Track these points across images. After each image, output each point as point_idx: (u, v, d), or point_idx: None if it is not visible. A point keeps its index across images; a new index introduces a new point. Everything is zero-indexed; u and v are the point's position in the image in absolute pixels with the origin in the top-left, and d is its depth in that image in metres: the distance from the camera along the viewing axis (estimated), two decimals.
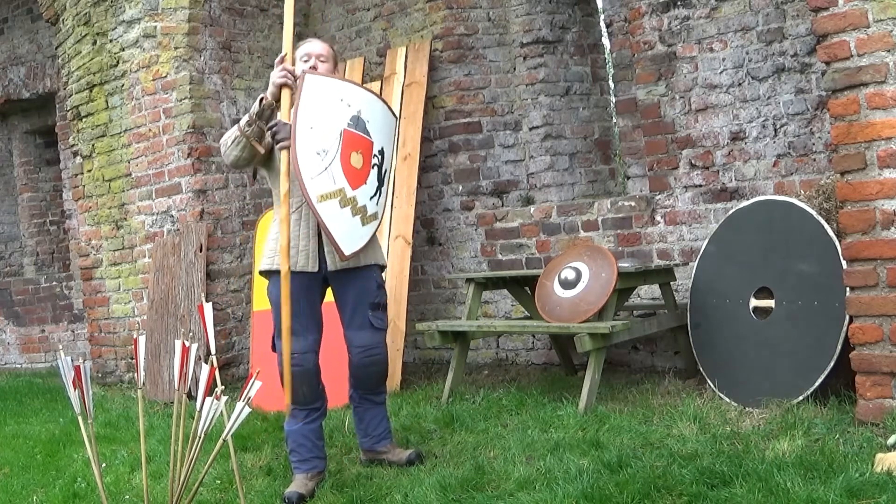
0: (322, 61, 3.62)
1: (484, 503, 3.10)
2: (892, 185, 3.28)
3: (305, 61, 3.61)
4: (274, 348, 3.57)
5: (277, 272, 3.43)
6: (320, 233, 3.48)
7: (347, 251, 3.43)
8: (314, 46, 3.69)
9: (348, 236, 3.43)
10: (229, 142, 3.59)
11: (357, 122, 3.46)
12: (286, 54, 3.52)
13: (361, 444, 3.83)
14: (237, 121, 6.22)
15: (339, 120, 3.43)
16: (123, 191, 6.51)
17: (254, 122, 3.53)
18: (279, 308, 3.41)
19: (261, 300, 5.63)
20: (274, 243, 3.55)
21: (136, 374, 3.34)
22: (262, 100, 3.53)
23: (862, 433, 3.27)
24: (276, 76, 3.49)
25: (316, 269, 3.51)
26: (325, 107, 3.43)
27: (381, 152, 3.54)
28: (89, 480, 3.85)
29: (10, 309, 8.91)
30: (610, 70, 6.71)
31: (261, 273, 3.64)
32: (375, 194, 3.52)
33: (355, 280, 3.59)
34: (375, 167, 3.51)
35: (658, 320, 4.56)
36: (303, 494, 3.41)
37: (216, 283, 6.03)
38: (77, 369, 3.00)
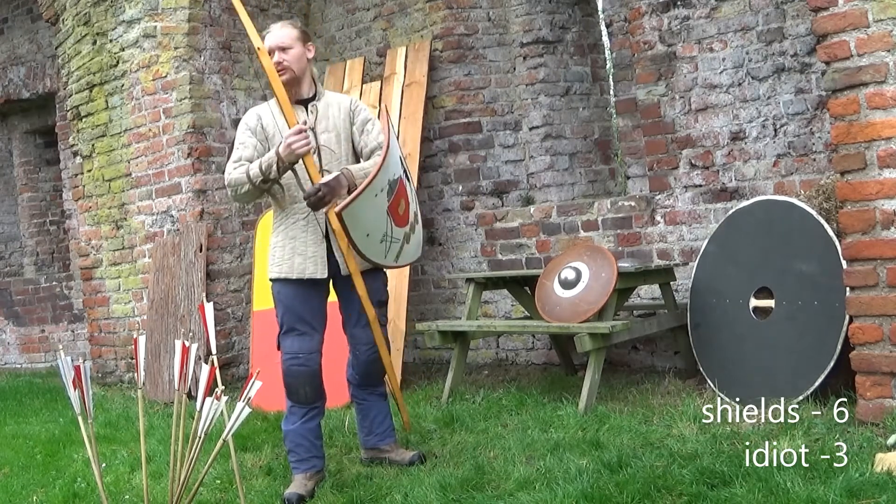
0: (284, 50, 3.52)
1: (484, 503, 3.10)
2: (892, 185, 3.28)
3: (271, 55, 3.54)
4: (279, 346, 3.59)
5: (286, 280, 3.52)
6: (328, 238, 3.53)
7: (372, 261, 3.54)
8: (274, 37, 3.55)
9: (374, 254, 3.52)
10: (239, 190, 3.52)
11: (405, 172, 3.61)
12: (304, 122, 3.46)
13: (364, 443, 3.83)
14: (237, 122, 6.27)
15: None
16: (123, 191, 6.51)
17: (269, 180, 3.45)
18: (285, 309, 3.53)
19: (261, 300, 5.63)
20: (280, 251, 3.56)
21: (136, 374, 3.34)
22: (279, 163, 3.41)
23: (862, 433, 3.27)
24: (297, 146, 3.35)
25: (325, 276, 3.55)
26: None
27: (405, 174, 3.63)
28: (89, 480, 3.85)
29: (10, 309, 8.91)
30: (610, 70, 6.71)
31: (271, 280, 3.63)
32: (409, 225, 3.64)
33: (368, 280, 3.61)
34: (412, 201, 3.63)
35: (658, 320, 4.56)
36: (302, 495, 3.41)
37: (216, 283, 6.03)
38: (77, 369, 3.00)
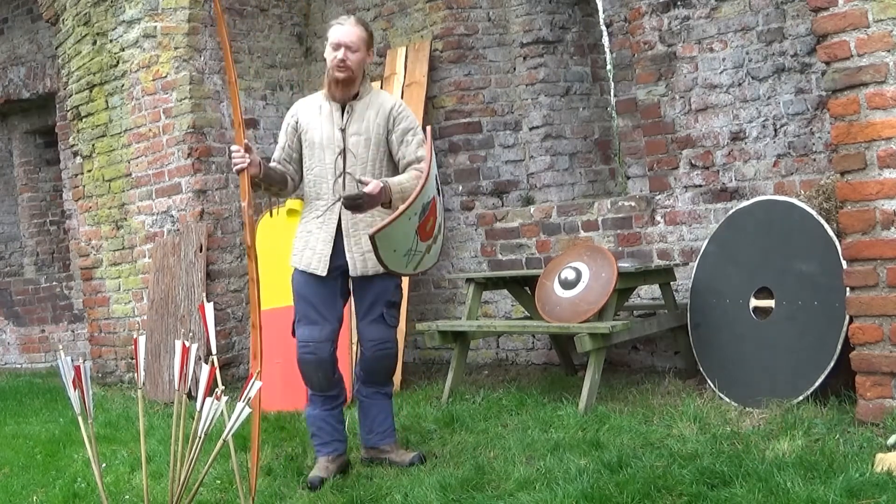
0: (353, 51, 3.54)
1: (484, 503, 3.10)
2: (892, 185, 3.28)
3: (335, 49, 3.54)
4: (293, 334, 3.69)
5: (296, 269, 3.66)
6: (336, 238, 3.58)
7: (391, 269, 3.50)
8: (345, 33, 3.54)
9: (396, 266, 3.48)
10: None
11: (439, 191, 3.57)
12: (241, 141, 3.47)
13: (365, 442, 3.83)
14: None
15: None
16: (123, 191, 6.51)
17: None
18: (298, 297, 3.64)
19: (261, 300, 5.62)
20: (298, 241, 3.69)
21: (136, 374, 3.34)
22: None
23: (862, 433, 3.27)
24: (234, 162, 3.46)
25: (325, 274, 3.59)
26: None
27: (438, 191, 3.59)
28: (89, 480, 3.85)
29: (10, 309, 8.91)
30: (610, 70, 6.71)
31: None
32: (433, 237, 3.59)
33: (379, 281, 3.65)
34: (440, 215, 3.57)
35: (658, 320, 4.56)
36: (324, 478, 3.49)
37: (216, 283, 6.03)
38: (77, 369, 3.00)
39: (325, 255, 3.58)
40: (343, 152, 3.59)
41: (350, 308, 3.86)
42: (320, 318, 3.59)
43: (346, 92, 3.61)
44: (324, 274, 3.58)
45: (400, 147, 3.63)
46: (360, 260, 3.58)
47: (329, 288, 3.63)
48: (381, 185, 3.41)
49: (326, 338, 3.60)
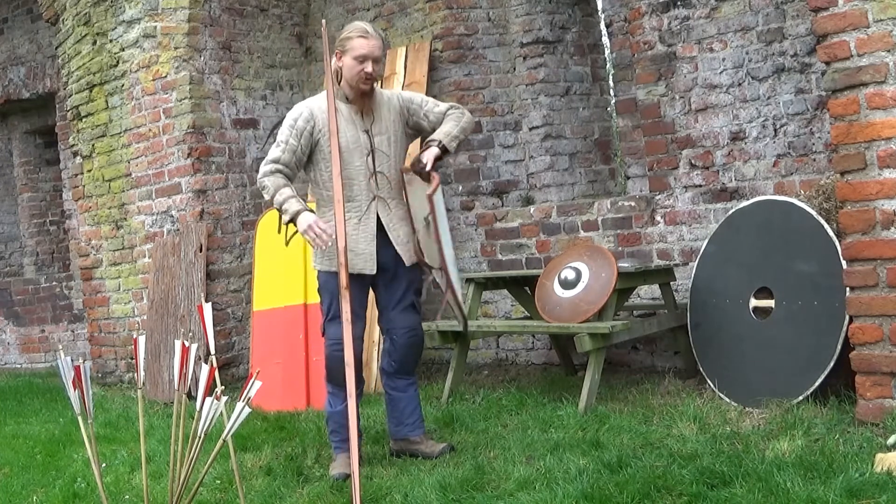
0: (377, 63, 3.63)
1: (484, 503, 3.10)
2: (892, 185, 3.28)
3: (362, 62, 3.59)
4: (323, 333, 3.75)
5: (328, 271, 3.67)
6: (378, 236, 3.68)
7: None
8: (372, 47, 3.60)
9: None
10: (264, 194, 3.69)
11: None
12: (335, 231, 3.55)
13: (394, 434, 3.88)
14: (238, 122, 6.30)
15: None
16: (123, 191, 6.51)
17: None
18: (332, 297, 3.65)
19: (261, 300, 5.63)
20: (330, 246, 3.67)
21: (136, 374, 3.34)
22: (291, 219, 3.57)
23: (862, 433, 3.27)
24: (310, 236, 3.50)
25: (374, 272, 3.68)
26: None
27: None
28: (89, 480, 3.85)
29: (10, 309, 8.91)
30: (610, 70, 6.71)
31: (317, 269, 3.77)
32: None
33: (412, 269, 3.81)
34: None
35: (658, 320, 4.56)
36: (348, 474, 3.51)
37: (216, 283, 6.03)
38: (77, 369, 3.00)
39: (370, 254, 3.67)
40: (372, 153, 3.67)
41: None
42: (354, 317, 3.62)
43: (368, 99, 3.69)
44: (372, 272, 3.67)
45: (426, 117, 3.81)
46: (405, 251, 3.74)
47: (363, 286, 3.71)
48: (436, 146, 3.66)
49: (358, 335, 3.67)
